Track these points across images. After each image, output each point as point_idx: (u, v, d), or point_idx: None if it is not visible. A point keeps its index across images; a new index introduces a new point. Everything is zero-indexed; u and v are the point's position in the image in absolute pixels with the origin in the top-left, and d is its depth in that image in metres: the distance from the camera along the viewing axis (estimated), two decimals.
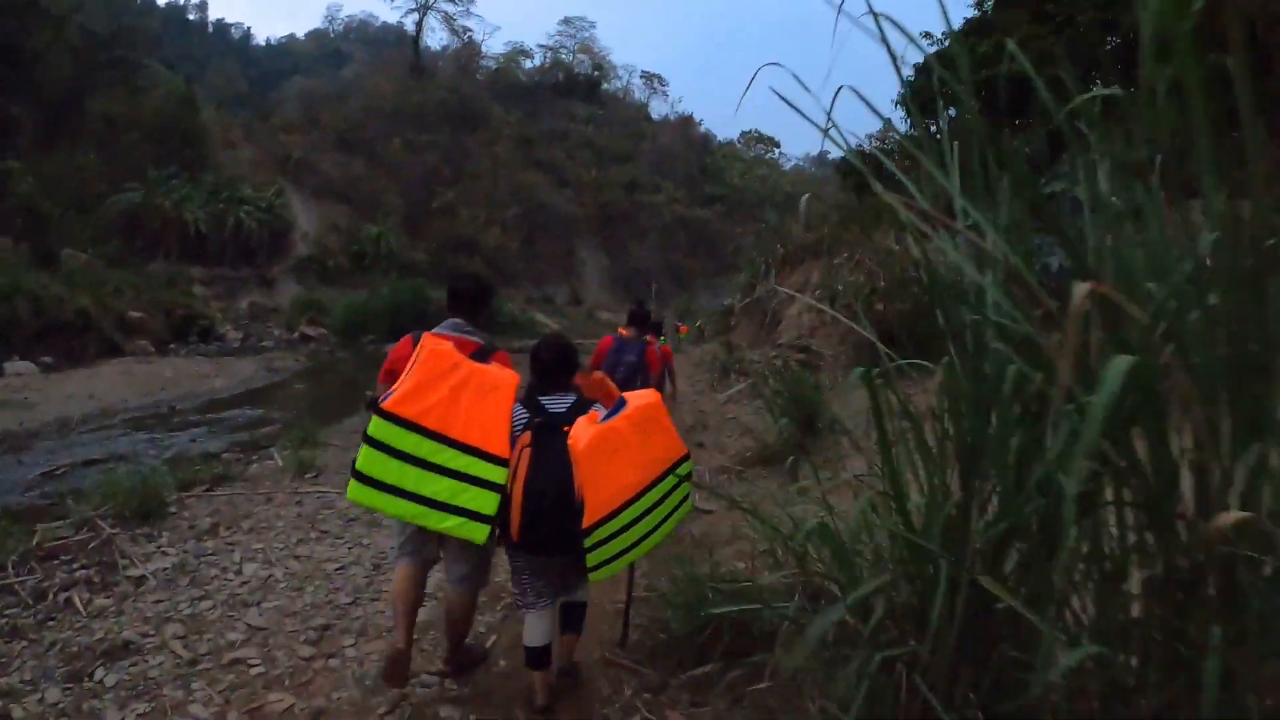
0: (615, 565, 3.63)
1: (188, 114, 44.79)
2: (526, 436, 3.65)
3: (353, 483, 3.48)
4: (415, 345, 3.75)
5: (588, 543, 3.46)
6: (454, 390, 3.51)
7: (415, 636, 4.10)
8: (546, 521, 3.53)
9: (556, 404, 3.81)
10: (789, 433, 8.43)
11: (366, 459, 3.43)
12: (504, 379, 3.67)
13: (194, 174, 43.02)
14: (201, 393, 16.56)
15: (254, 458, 10.51)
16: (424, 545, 4.03)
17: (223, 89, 65.69)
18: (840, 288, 11.22)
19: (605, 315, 46.88)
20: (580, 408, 3.77)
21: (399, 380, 3.56)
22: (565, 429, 3.64)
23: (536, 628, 3.84)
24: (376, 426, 3.42)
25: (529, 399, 3.83)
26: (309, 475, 9.18)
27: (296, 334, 31.73)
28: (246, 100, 63.11)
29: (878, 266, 11.10)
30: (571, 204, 59.20)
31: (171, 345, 24.73)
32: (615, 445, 3.54)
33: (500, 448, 3.53)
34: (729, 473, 8.56)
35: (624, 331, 8.21)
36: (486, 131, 60.09)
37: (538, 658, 3.82)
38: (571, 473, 3.51)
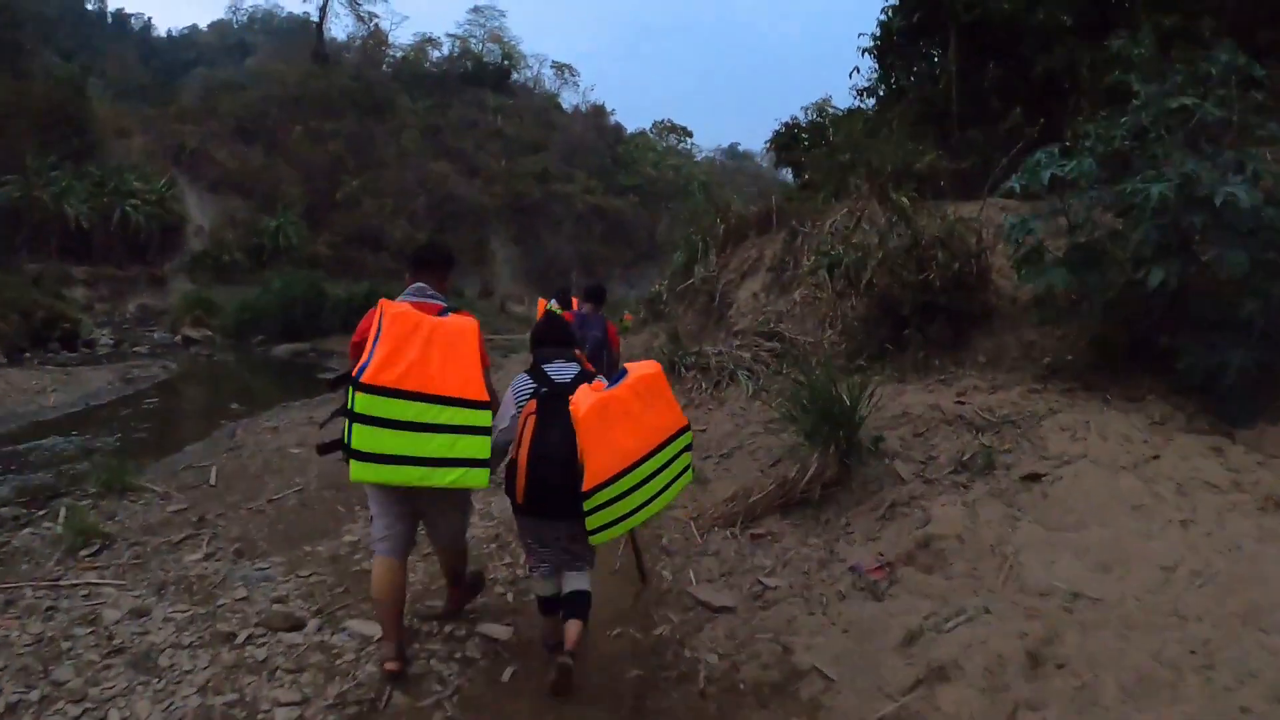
0: (615, 530, 3.67)
1: (76, 101, 39.98)
2: (532, 404, 3.74)
3: (353, 463, 3.38)
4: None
5: (587, 506, 3.50)
6: (423, 348, 3.44)
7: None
8: (550, 486, 3.59)
9: (561, 374, 3.87)
10: (817, 458, 5.50)
11: (360, 436, 3.33)
12: (466, 325, 3.65)
13: (79, 165, 38.31)
14: (25, 413, 12.92)
15: (35, 515, 7.18)
16: (402, 529, 4.00)
17: (121, 80, 60.60)
18: (846, 257, 8.20)
19: (518, 309, 43.62)
20: (584, 378, 3.82)
21: (368, 349, 3.44)
22: (570, 398, 3.66)
23: (546, 584, 4.00)
24: (362, 401, 3.32)
25: (534, 370, 3.94)
26: (86, 552, 5.93)
27: (178, 337, 27.72)
28: (147, 92, 58.01)
29: (881, 232, 8.18)
30: (482, 194, 55.61)
31: (27, 353, 20.67)
32: (617, 413, 3.59)
33: (479, 391, 3.53)
34: (734, 529, 5.55)
35: (559, 309, 7.83)
36: (393, 120, 56.11)
37: (550, 604, 4.00)
38: (575, 439, 3.56)
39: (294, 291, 28.65)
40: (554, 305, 8.78)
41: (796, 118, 18.66)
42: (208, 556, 5.78)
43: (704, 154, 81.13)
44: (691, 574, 5.00)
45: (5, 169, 34.87)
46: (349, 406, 3.36)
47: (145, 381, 17.13)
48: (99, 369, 18.09)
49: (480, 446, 3.50)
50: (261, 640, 4.40)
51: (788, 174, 20.38)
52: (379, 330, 3.44)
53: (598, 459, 3.50)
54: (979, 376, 7.14)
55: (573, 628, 3.84)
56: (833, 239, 10.56)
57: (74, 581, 5.36)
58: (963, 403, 6.40)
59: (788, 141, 18.34)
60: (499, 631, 4.42)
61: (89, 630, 4.62)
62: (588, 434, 3.51)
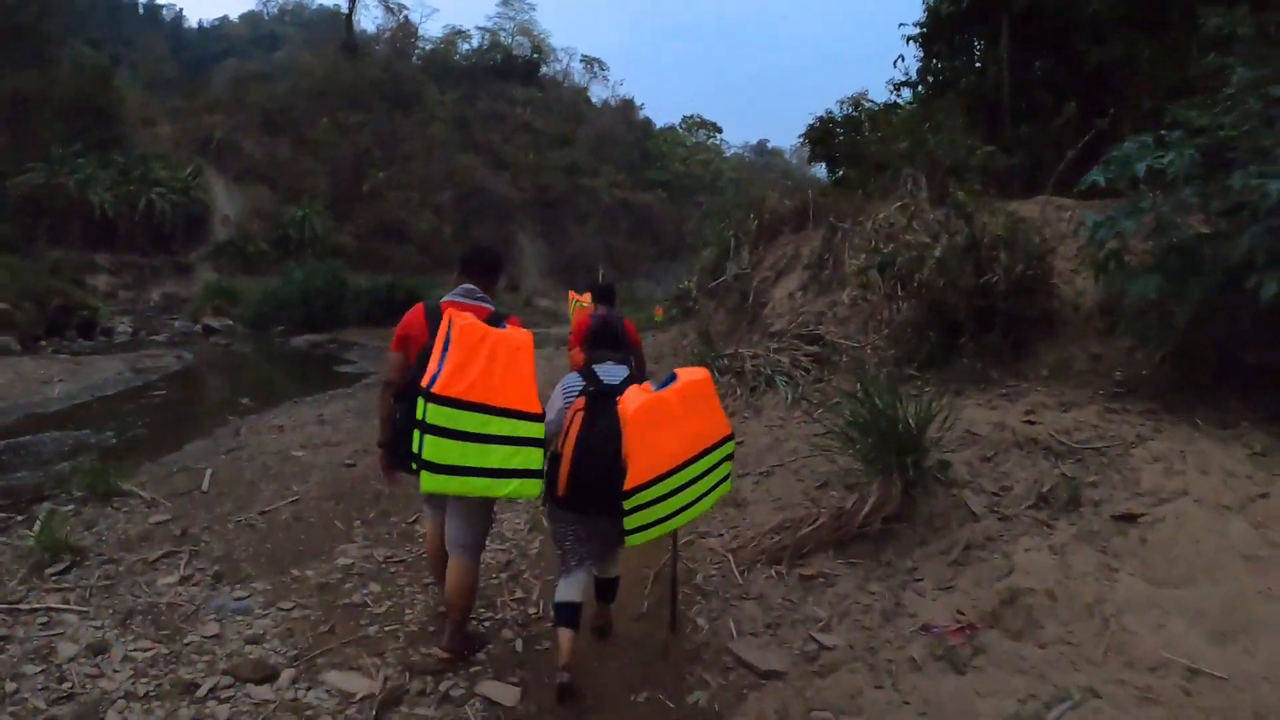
0: (652, 532, 3.64)
1: (103, 90, 39.76)
2: (581, 401, 3.75)
3: (425, 474, 3.37)
4: (427, 314, 3.91)
5: (627, 505, 3.50)
6: (488, 360, 3.43)
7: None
8: (592, 481, 3.60)
9: (611, 376, 3.89)
10: (878, 487, 4.80)
11: (432, 448, 3.33)
12: (523, 339, 3.62)
13: (105, 153, 38.10)
14: (27, 404, 12.31)
15: (14, 520, 6.61)
16: (439, 508, 4.09)
17: (151, 71, 60.46)
18: (900, 256, 7.45)
19: (544, 303, 42.95)
20: (633, 381, 3.83)
21: (436, 359, 3.42)
22: (619, 399, 3.66)
23: (570, 585, 3.85)
24: (433, 412, 3.32)
25: (585, 370, 3.97)
26: (54, 570, 5.33)
27: (198, 326, 27.26)
28: (176, 83, 57.84)
29: (935, 231, 7.45)
30: (509, 188, 54.95)
31: (43, 341, 20.19)
32: (663, 415, 3.58)
33: (534, 404, 3.53)
34: (779, 566, 4.84)
35: (590, 306, 7.93)
36: (420, 112, 55.37)
37: (568, 613, 3.80)
38: (620, 438, 3.57)
39: (315, 282, 28.12)
40: (585, 301, 8.47)
41: (831, 112, 17.90)
42: (184, 580, 5.13)
43: (732, 150, 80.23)
44: (731, 624, 4.27)
45: (30, 157, 34.67)
46: (419, 417, 3.34)
47: (156, 372, 16.51)
48: (110, 358, 17.47)
49: (535, 458, 3.54)
50: (227, 693, 3.75)
51: (820, 170, 19.63)
52: (448, 340, 3.42)
53: (642, 459, 3.51)
54: (1045, 392, 6.42)
55: (604, 608, 4.28)
56: (876, 236, 9.86)
57: (34, 606, 4.75)
58: (1033, 422, 5.68)
59: (822, 135, 17.60)
60: (504, 694, 3.73)
61: (40, 669, 4.03)
62: (635, 434, 3.52)
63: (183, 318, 29.35)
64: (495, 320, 3.76)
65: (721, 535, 5.43)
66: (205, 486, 7.24)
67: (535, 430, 3.52)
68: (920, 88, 13.87)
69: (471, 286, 4.05)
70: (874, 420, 4.87)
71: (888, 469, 4.73)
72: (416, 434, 3.37)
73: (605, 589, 4.24)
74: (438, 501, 4.08)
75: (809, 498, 5.53)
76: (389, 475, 4.26)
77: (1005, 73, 11.12)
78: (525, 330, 3.74)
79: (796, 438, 6.77)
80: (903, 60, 13.57)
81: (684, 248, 43.41)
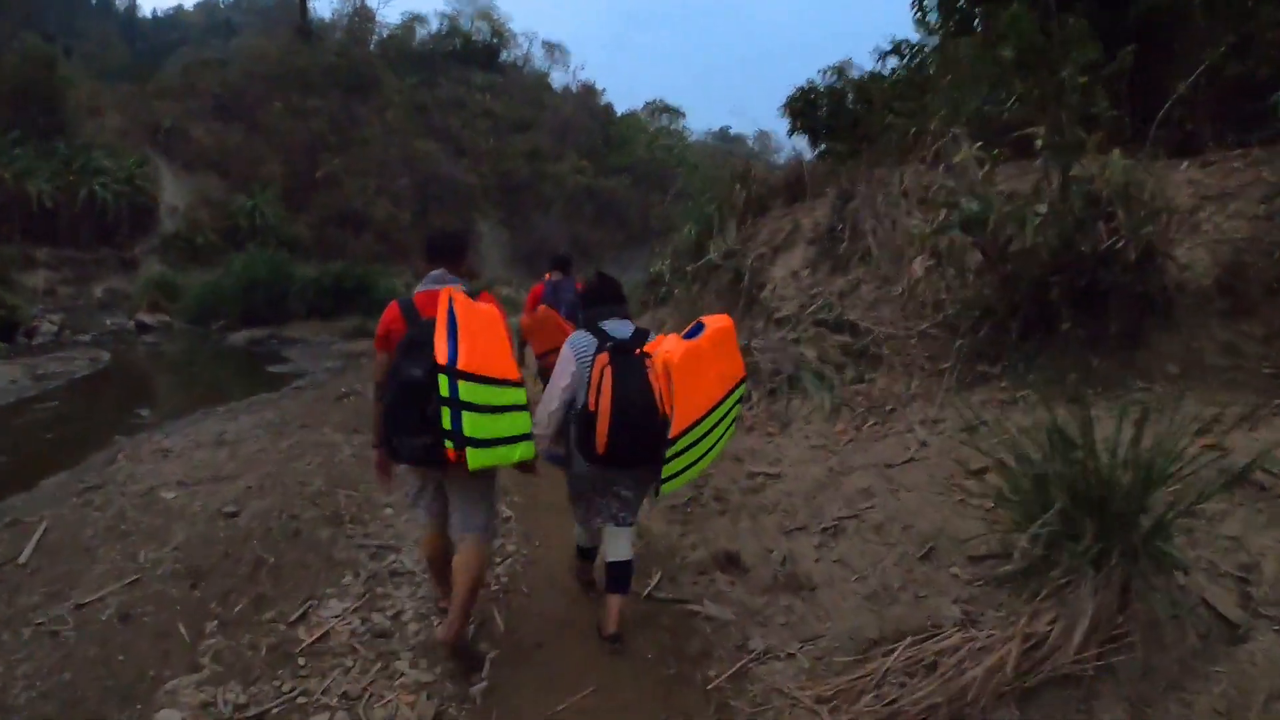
0: (682, 478, 3.65)
1: (45, 78, 36.94)
2: (604, 357, 3.66)
3: (472, 450, 3.23)
4: (403, 309, 3.71)
5: (671, 452, 3.48)
6: (484, 336, 3.40)
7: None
8: (633, 434, 3.54)
9: (618, 330, 3.82)
10: (1091, 592, 2.77)
11: (471, 423, 3.23)
12: (495, 312, 3.58)
13: (48, 142, 35.41)
14: None
15: None
16: (435, 501, 3.87)
17: (103, 61, 57.51)
18: (991, 211, 5.39)
19: (506, 290, 40.79)
20: (641, 335, 3.81)
21: (444, 338, 3.28)
22: (635, 352, 3.68)
23: (618, 542, 3.83)
24: (466, 390, 3.25)
25: (590, 326, 3.88)
26: None
27: (132, 323, 24.80)
28: (129, 73, 54.87)
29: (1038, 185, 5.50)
30: (469, 174, 52.34)
31: None
32: (700, 363, 3.59)
33: (516, 371, 3.52)
34: None
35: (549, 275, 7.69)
36: (378, 98, 52.46)
37: (619, 574, 3.80)
38: (652, 389, 3.57)
39: (255, 273, 25.38)
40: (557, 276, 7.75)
41: (814, 81, 16.28)
42: None
43: (695, 137, 78.33)
44: None
45: None
46: (453, 396, 3.21)
47: (59, 379, 13.94)
48: (10, 364, 14.83)
49: (526, 422, 3.51)
50: None
51: (791, 145, 17.93)
52: (454, 318, 3.29)
53: (685, 405, 3.50)
54: (1196, 398, 4.47)
55: (614, 604, 3.81)
56: (907, 201, 7.93)
57: None
58: (1216, 447, 3.70)
59: (804, 107, 15.89)
60: None
61: None
62: (680, 382, 3.49)
63: (120, 314, 26.86)
64: (471, 297, 3.58)
65: (792, 655, 3.38)
66: (25, 556, 5.02)
67: (522, 396, 3.48)
68: (941, 33, 12.16)
69: (440, 271, 3.89)
70: (1063, 466, 2.83)
71: (1103, 555, 2.67)
72: (446, 413, 3.20)
73: (617, 576, 3.89)
74: (432, 504, 3.86)
75: (914, 578, 3.50)
76: (385, 476, 3.91)
77: (1054, 11, 9.24)
78: (492, 304, 3.62)
79: (860, 468, 4.72)
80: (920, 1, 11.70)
81: (650, 233, 41.64)
